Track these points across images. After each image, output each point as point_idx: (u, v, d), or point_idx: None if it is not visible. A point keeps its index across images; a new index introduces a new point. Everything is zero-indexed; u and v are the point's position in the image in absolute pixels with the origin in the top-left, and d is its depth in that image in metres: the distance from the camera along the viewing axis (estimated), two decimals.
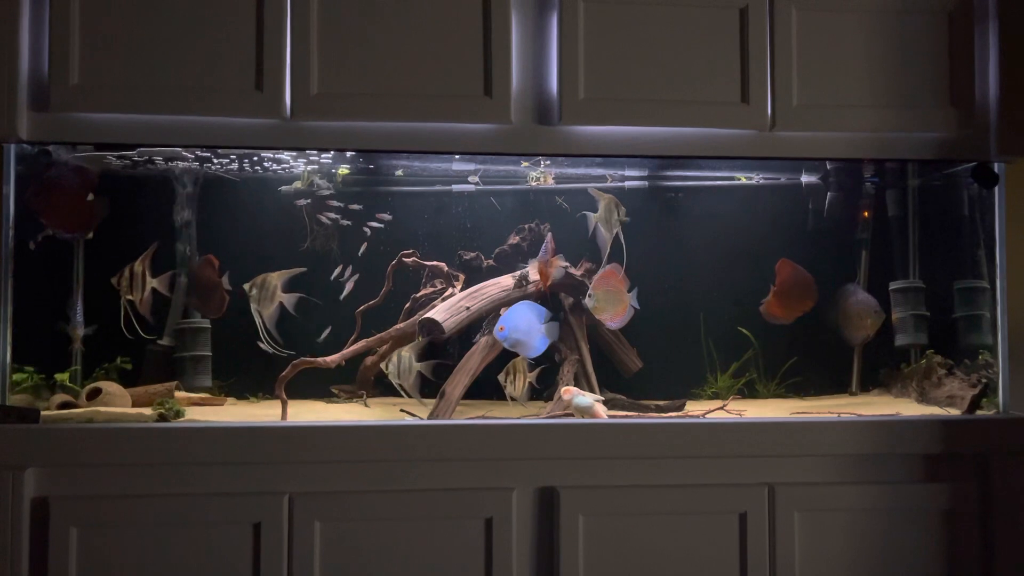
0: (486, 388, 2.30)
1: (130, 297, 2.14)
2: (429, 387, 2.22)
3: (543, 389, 2.30)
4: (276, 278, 2.15)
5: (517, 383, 2.16)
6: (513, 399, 2.19)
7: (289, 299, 2.15)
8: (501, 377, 2.19)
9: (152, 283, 2.15)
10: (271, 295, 2.14)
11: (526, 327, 2.16)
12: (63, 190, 2.11)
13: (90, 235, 2.19)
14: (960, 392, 2.23)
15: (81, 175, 2.13)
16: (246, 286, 2.17)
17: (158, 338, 2.31)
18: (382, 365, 2.21)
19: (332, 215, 2.41)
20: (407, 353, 2.16)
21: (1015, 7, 2.11)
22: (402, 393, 2.17)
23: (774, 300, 2.35)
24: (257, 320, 2.16)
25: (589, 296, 2.24)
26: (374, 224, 2.42)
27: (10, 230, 2.03)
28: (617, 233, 2.26)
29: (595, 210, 2.27)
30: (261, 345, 2.18)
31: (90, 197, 2.14)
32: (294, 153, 2.31)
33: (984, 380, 2.21)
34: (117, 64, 1.94)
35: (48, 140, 1.98)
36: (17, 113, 1.91)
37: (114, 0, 1.95)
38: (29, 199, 2.06)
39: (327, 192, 2.42)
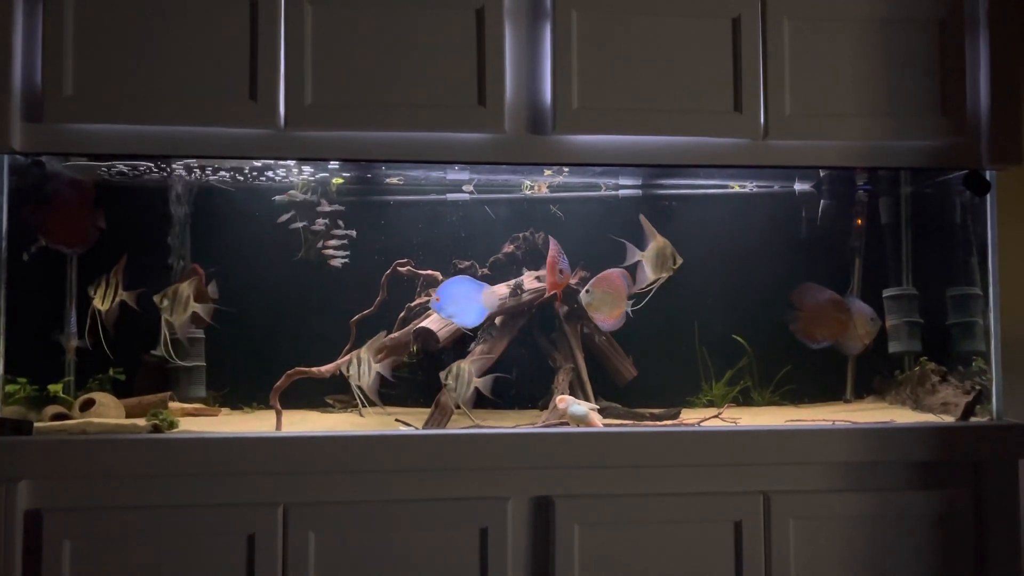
0: (481, 397, 2.29)
1: (100, 307, 2.13)
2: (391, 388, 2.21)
3: (497, 401, 2.25)
4: (187, 288, 2.13)
5: (460, 388, 2.13)
6: (457, 406, 2.15)
7: (203, 309, 2.14)
8: (443, 375, 2.14)
9: (123, 295, 2.13)
10: (184, 305, 2.12)
11: (462, 298, 2.13)
12: (63, 206, 2.11)
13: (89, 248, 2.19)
14: (954, 399, 2.24)
15: (79, 190, 2.12)
16: (156, 297, 2.14)
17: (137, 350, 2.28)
18: (342, 368, 2.17)
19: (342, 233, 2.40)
20: (365, 355, 2.14)
21: (1005, 16, 2.13)
22: (359, 397, 2.14)
23: (806, 327, 2.34)
24: (163, 331, 2.13)
25: (587, 291, 2.24)
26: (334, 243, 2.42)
27: (3, 241, 2.02)
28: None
29: (636, 237, 2.22)
30: (155, 353, 2.17)
31: (88, 212, 2.14)
32: (292, 162, 2.31)
33: (978, 387, 2.22)
34: (111, 75, 1.94)
35: (42, 151, 1.98)
36: (10, 124, 1.91)
37: (108, 11, 1.95)
38: (29, 216, 2.06)
39: (301, 198, 2.42)
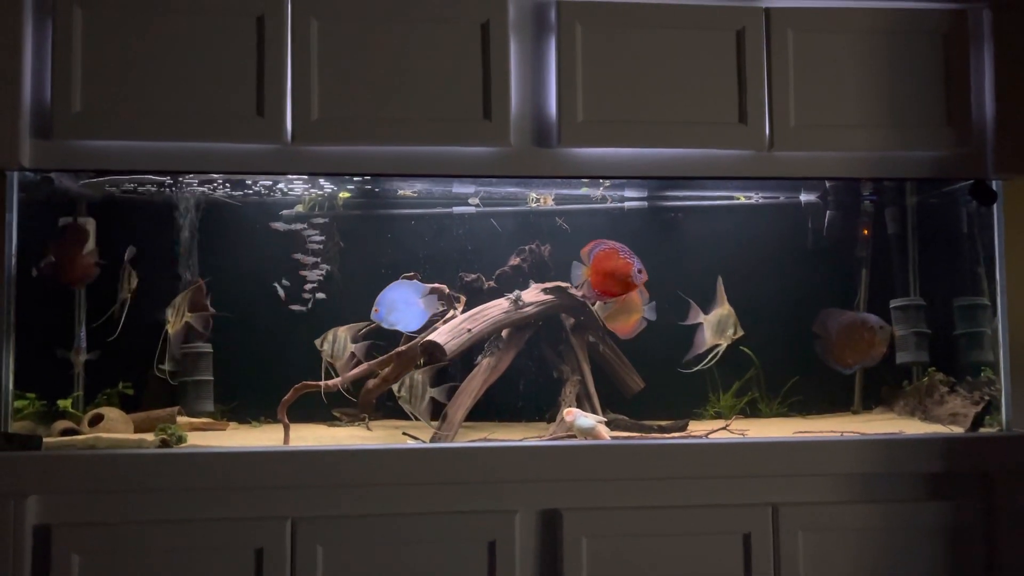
0: (488, 410, 2.30)
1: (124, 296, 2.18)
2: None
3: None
4: (181, 299, 2.16)
5: (415, 400, 2.12)
6: (415, 417, 2.15)
7: (196, 318, 2.15)
8: (395, 387, 2.15)
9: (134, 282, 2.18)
10: (180, 316, 2.15)
11: (401, 303, 2.14)
12: (68, 252, 2.15)
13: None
14: (963, 410, 2.23)
15: (78, 233, 2.15)
16: (168, 311, 2.20)
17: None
18: (316, 342, 2.16)
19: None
20: (344, 334, 2.14)
21: (1009, 26, 2.13)
22: (331, 372, 2.14)
23: (836, 353, 2.32)
24: (168, 342, 2.18)
25: (603, 302, 2.24)
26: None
27: (13, 257, 2.04)
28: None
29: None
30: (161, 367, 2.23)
31: (87, 254, 2.17)
32: (304, 177, 2.32)
33: (987, 397, 2.21)
34: (119, 91, 1.96)
35: (51, 168, 2.00)
36: (20, 141, 1.92)
37: (116, 28, 1.97)
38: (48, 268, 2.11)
39: (285, 229, 2.43)
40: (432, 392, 2.13)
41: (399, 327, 2.17)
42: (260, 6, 1.99)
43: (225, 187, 2.37)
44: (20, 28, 1.93)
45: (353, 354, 2.13)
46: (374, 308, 2.15)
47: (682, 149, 2.08)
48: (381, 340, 2.28)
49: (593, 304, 2.32)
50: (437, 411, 2.17)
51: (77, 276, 2.17)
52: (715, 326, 2.21)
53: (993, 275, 2.23)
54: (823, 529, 2.02)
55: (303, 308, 2.37)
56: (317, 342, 2.16)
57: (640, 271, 2.19)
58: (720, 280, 2.27)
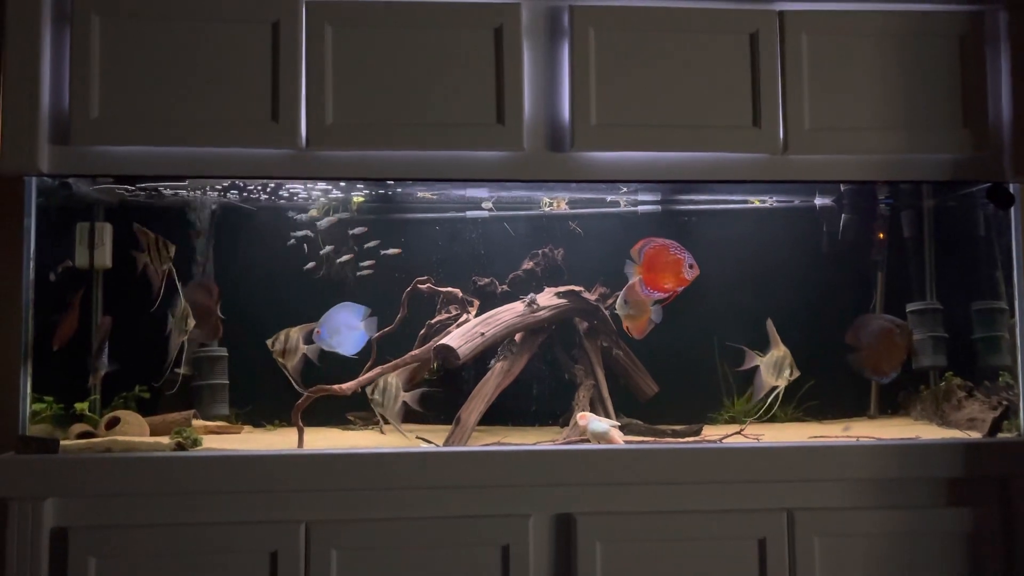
0: (502, 414, 2.30)
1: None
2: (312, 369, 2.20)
3: (427, 413, 2.25)
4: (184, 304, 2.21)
5: (388, 403, 2.13)
6: (385, 421, 2.17)
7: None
8: (369, 390, 2.16)
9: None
10: (184, 319, 2.19)
11: (343, 326, 2.16)
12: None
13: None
14: (981, 415, 2.21)
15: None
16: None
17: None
18: (268, 341, 2.17)
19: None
20: (296, 334, 2.15)
21: None
22: (285, 372, 2.16)
23: (872, 364, 2.29)
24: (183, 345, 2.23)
25: (624, 302, 2.24)
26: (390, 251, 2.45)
27: (31, 261, 2.06)
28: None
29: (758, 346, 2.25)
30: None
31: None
32: (323, 185, 2.33)
33: (1005, 402, 2.19)
34: (136, 97, 1.98)
35: (68, 173, 2.02)
36: (38, 147, 1.94)
37: (133, 35, 1.99)
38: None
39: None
40: (405, 397, 2.15)
41: (339, 350, 2.19)
42: (275, 12, 2.01)
43: (244, 192, 2.38)
44: (39, 35, 1.95)
45: (305, 355, 2.14)
46: (316, 330, 2.17)
47: (696, 153, 2.07)
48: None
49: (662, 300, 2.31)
50: (408, 417, 2.19)
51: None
52: (771, 367, 2.21)
53: (1011, 279, 2.21)
54: (839, 534, 2.01)
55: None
56: (269, 342, 2.17)
57: (692, 265, 2.19)
58: (769, 322, 2.24)
